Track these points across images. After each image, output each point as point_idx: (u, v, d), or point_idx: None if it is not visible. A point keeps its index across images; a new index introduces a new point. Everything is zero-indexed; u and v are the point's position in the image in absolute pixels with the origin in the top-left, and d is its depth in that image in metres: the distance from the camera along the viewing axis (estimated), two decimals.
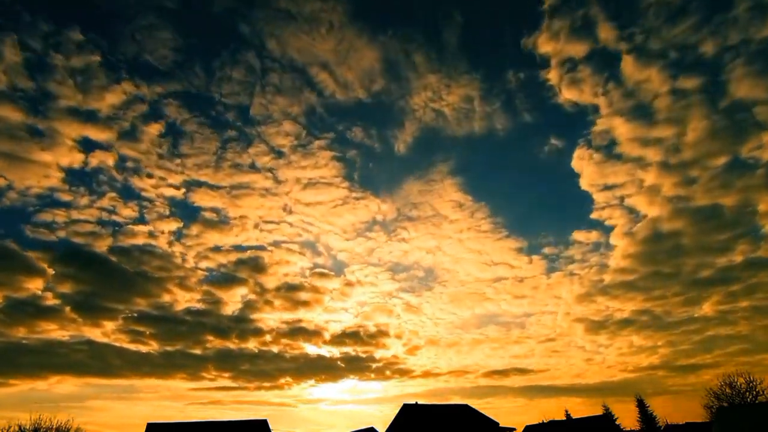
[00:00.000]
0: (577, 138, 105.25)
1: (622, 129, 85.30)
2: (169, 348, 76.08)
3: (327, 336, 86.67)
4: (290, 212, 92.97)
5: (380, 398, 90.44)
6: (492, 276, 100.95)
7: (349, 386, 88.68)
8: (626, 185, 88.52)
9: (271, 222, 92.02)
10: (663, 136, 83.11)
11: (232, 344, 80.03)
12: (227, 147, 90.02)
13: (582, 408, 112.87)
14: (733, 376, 45.03)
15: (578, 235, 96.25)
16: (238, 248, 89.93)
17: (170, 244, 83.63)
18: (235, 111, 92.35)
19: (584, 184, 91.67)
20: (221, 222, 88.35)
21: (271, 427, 36.92)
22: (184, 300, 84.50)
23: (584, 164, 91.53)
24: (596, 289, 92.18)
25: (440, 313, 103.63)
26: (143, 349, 74.59)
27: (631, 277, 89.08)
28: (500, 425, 41.91)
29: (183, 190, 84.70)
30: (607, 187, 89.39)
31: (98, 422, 72.48)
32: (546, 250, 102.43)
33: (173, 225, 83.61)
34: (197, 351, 77.52)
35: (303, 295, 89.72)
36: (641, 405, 59.54)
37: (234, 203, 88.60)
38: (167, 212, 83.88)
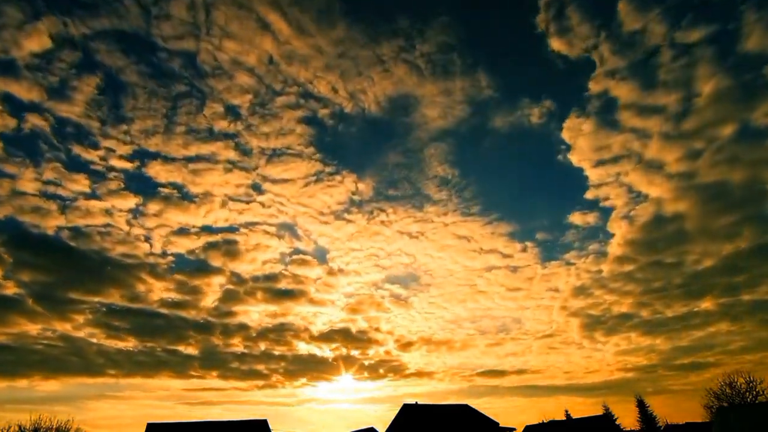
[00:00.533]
0: (569, 103, 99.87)
1: (620, 91, 77.24)
2: (150, 344, 72.53)
3: (315, 331, 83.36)
4: (260, 191, 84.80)
5: (374, 398, 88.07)
6: (483, 265, 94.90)
7: (340, 385, 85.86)
8: (624, 160, 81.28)
9: (240, 201, 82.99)
10: (665, 102, 75.50)
11: (216, 340, 77.11)
12: (178, 106, 79.26)
13: (580, 407, 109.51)
14: (733, 376, 45.08)
15: (575, 218, 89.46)
16: (207, 230, 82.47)
17: (129, 223, 75.46)
18: (181, 59, 78.50)
19: (576, 159, 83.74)
20: (183, 199, 79.90)
21: (271, 427, 36.95)
22: (156, 290, 77.36)
23: (576, 134, 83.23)
24: (594, 281, 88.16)
25: (430, 308, 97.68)
26: (122, 345, 70.83)
27: (631, 267, 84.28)
28: (500, 425, 41.92)
29: (136, 163, 75.36)
30: (602, 162, 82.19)
31: (85, 423, 71.51)
32: (539, 236, 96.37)
33: (131, 202, 74.84)
34: (181, 348, 74.50)
35: (284, 285, 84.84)
36: (641, 405, 59.56)
37: (195, 179, 79.89)
38: (121, 187, 74.21)
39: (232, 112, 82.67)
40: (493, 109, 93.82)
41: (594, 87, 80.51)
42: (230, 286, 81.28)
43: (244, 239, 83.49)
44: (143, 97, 76.77)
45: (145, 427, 32.53)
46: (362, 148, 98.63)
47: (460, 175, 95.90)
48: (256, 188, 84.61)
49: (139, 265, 75.23)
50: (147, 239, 77.62)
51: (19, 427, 29.65)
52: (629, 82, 78.38)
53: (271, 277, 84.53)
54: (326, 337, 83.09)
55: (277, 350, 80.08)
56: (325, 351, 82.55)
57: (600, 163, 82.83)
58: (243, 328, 79.33)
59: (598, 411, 60.22)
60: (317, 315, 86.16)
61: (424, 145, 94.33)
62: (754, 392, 43.01)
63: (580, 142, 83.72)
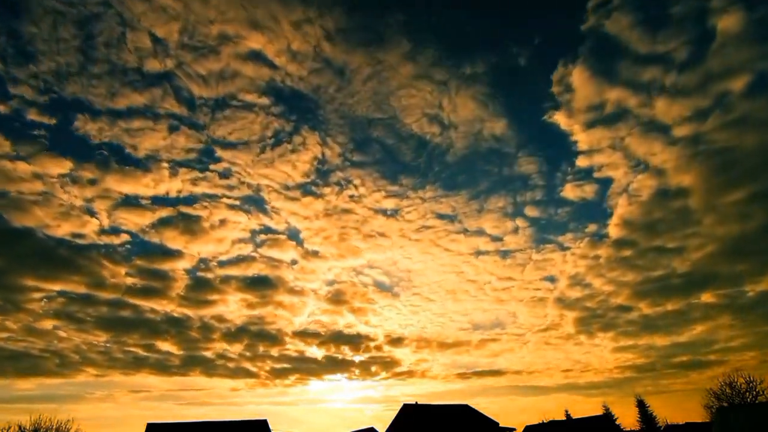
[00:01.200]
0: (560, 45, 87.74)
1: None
2: (123, 338, 67.48)
3: (297, 324, 79.12)
4: (212, 157, 76.19)
5: (367, 397, 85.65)
6: (470, 249, 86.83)
7: (330, 385, 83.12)
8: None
9: (192, 167, 73.54)
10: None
11: (194, 333, 72.20)
12: (94, 35, 66.25)
13: (579, 407, 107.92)
14: (733, 376, 45.07)
15: (569, 192, 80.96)
16: (160, 202, 73.01)
17: (66, 192, 66.77)
18: None
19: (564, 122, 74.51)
20: (124, 164, 70.53)
21: (271, 427, 36.93)
22: (118, 277, 70.04)
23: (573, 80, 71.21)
24: (590, 269, 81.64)
25: (416, 299, 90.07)
26: (93, 339, 65.77)
27: (629, 253, 78.01)
28: (500, 425, 41.90)
29: (58, 117, 66.12)
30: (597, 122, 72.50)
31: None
32: (529, 212, 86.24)
33: (62, 166, 65.07)
34: (158, 342, 69.42)
35: (257, 270, 77.99)
36: (641, 405, 59.55)
37: (134, 140, 69.40)
38: (46, 146, 64.29)
39: (160, 45, 67.56)
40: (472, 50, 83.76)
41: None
42: (200, 274, 75.94)
43: (207, 214, 74.88)
44: (47, 22, 61.74)
45: (138, 428, 32.57)
46: (324, 96, 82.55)
47: (437, 136, 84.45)
48: (208, 154, 76.92)
49: (91, 247, 68.77)
50: (91, 213, 68.36)
51: (19, 427, 29.63)
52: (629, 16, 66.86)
53: (243, 261, 77.55)
54: (311, 333, 78.84)
55: (261, 347, 75.18)
56: (312, 347, 78.34)
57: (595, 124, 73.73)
58: (221, 320, 74.33)
59: (597, 410, 60.33)
60: (299, 306, 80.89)
61: (394, 93, 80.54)
62: (754, 392, 42.99)
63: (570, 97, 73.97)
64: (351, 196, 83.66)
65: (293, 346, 77.52)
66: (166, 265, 72.92)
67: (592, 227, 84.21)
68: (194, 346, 71.92)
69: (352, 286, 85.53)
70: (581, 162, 78.85)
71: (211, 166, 75.67)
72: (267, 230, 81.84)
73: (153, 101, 70.26)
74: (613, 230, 79.09)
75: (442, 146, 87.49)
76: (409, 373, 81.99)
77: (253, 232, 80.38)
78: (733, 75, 63.05)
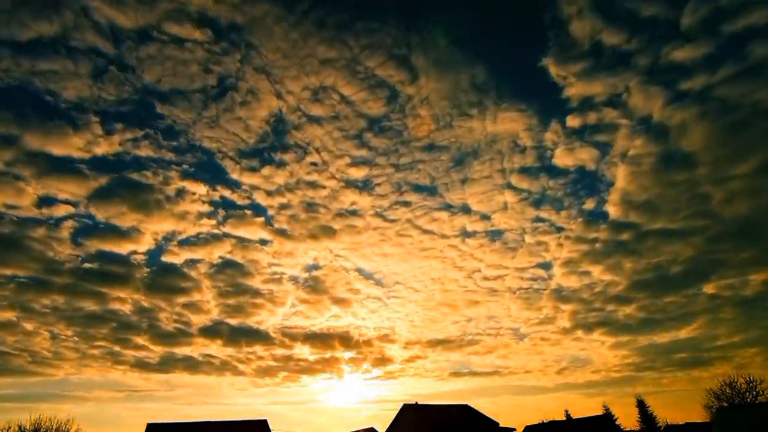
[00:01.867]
0: None
1: None
2: (91, 331, 61.87)
3: (281, 314, 74.06)
4: (151, 111, 65.60)
5: (365, 399, 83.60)
6: (453, 229, 77.38)
7: (323, 384, 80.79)
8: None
9: (129, 124, 64.91)
10: None
11: (166, 325, 66.97)
12: None
13: (577, 407, 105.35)
14: (733, 376, 45.12)
15: (560, 160, 71.29)
16: (96, 167, 61.83)
17: None
18: None
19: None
20: (44, 117, 60.08)
21: (271, 427, 36.96)
22: (65, 259, 62.05)
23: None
24: (585, 255, 74.96)
25: (402, 289, 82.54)
26: (57, 330, 60.62)
27: (628, 236, 71.75)
28: (500, 425, 41.92)
29: None
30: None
31: None
32: (517, 182, 75.10)
33: None
34: (131, 336, 63.62)
35: (225, 252, 70.29)
36: (641, 405, 59.59)
37: (48, 82, 58.18)
38: None
39: None
40: None
41: None
42: (165, 259, 68.89)
43: (158, 182, 64.96)
44: None
45: (139, 428, 32.61)
46: (265, 30, 69.36)
47: (408, 85, 71.32)
48: (147, 108, 66.25)
49: (23, 222, 58.80)
50: (20, 178, 57.94)
51: (19, 427, 29.65)
52: None
53: (209, 239, 70.01)
54: (294, 332, 74.94)
55: (244, 344, 70.97)
56: (297, 344, 74.49)
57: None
58: (193, 307, 68.60)
59: (597, 410, 60.33)
60: (278, 294, 74.48)
61: (348, 26, 67.94)
62: (754, 392, 42.99)
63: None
64: (314, 164, 74.06)
65: (278, 341, 73.51)
66: (118, 245, 65.02)
67: (589, 203, 75.14)
68: (171, 342, 68.12)
69: (333, 272, 78.69)
70: (573, 121, 69.32)
71: (153, 123, 65.69)
72: (230, 205, 72.03)
73: (66, 30, 55.79)
74: (612, 209, 71.93)
75: (414, 98, 73.99)
76: (401, 371, 79.39)
77: (214, 207, 70.59)
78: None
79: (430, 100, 72.93)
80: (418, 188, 77.33)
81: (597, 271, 76.18)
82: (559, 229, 76.92)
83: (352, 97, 70.52)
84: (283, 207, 74.43)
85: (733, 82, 57.53)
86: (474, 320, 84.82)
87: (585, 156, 72.10)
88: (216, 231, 70.42)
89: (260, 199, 73.06)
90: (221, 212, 71.09)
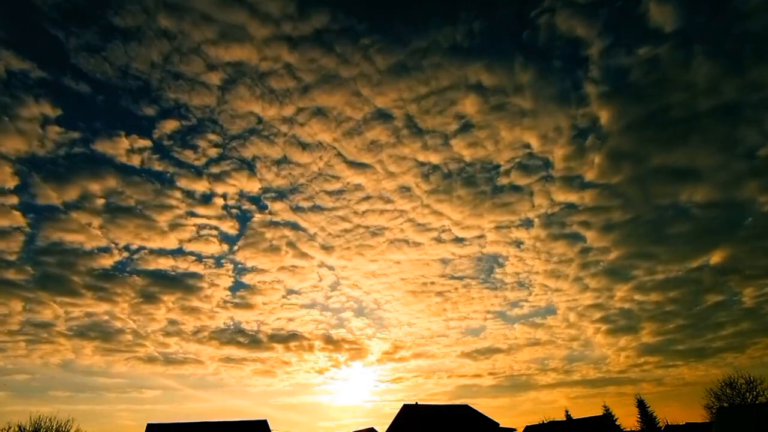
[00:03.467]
0: None
1: None
2: None
3: (219, 299, 72.11)
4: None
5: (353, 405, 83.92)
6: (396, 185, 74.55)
7: (323, 384, 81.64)
8: None
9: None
10: None
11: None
12: None
13: (576, 406, 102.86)
14: (733, 376, 45.17)
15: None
16: None
17: None
18: None
19: None
20: None
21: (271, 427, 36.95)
22: None
23: None
24: (565, 211, 74.00)
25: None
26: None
27: (618, 179, 70.00)
28: (500, 425, 41.90)
29: None
30: None
31: None
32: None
33: None
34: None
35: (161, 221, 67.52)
36: (641, 405, 59.62)
37: None
38: None
39: None
40: None
41: None
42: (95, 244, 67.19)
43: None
44: None
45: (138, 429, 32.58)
46: None
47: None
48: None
49: None
50: None
51: (19, 427, 29.73)
52: None
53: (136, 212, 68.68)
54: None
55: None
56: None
57: None
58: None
59: (597, 410, 60.36)
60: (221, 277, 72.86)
61: None
62: (755, 392, 43.03)
63: None
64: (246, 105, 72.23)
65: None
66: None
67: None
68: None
69: (280, 234, 75.19)
70: None
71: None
72: (143, 172, 69.51)
73: None
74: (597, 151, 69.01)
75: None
76: (402, 371, 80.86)
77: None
78: None
79: None
80: (370, 146, 77.10)
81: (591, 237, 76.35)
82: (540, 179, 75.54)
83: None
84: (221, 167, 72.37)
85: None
86: (461, 315, 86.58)
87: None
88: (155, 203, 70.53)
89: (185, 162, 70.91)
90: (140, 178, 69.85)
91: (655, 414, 58.97)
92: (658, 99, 62.72)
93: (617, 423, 55.28)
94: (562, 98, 70.13)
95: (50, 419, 31.34)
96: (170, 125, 66.34)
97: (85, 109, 69.87)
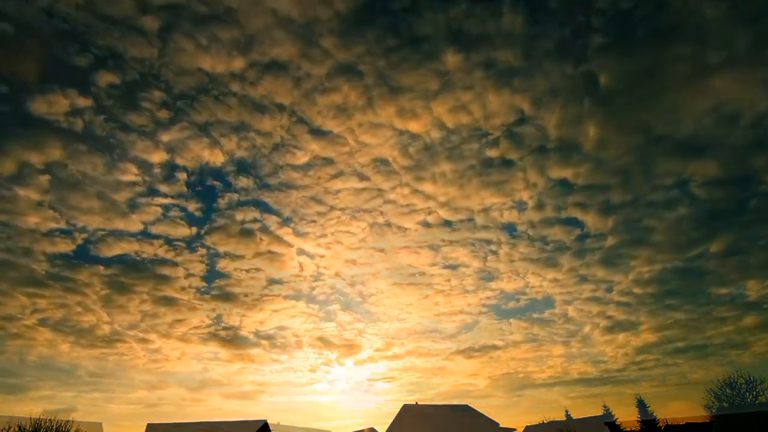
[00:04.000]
0: None
1: None
2: None
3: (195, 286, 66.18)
4: None
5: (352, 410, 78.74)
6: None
7: (324, 385, 74.78)
8: None
9: None
10: None
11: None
12: None
13: (576, 406, 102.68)
14: (733, 376, 45.16)
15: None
16: None
17: None
18: None
19: None
20: None
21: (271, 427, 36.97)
22: None
23: None
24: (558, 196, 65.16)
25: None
26: None
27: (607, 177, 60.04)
28: (501, 425, 41.93)
29: None
30: None
31: None
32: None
33: None
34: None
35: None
36: (641, 405, 59.64)
37: None
38: None
39: None
40: None
41: None
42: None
43: None
44: None
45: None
46: None
47: None
48: None
49: None
50: None
51: (19, 426, 29.67)
52: None
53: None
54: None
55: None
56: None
57: None
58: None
59: (597, 410, 60.37)
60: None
61: None
62: (755, 392, 43.03)
63: None
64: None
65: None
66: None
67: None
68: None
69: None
70: None
71: None
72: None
73: None
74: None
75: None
76: (402, 370, 76.67)
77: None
78: None
79: None
80: (337, 109, 59.66)
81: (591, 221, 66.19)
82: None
83: None
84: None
85: None
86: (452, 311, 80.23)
87: None
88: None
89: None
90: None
91: (655, 413, 59.04)
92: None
93: (617, 423, 55.34)
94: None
95: (50, 419, 31.36)
96: (108, 78, 52.03)
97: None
